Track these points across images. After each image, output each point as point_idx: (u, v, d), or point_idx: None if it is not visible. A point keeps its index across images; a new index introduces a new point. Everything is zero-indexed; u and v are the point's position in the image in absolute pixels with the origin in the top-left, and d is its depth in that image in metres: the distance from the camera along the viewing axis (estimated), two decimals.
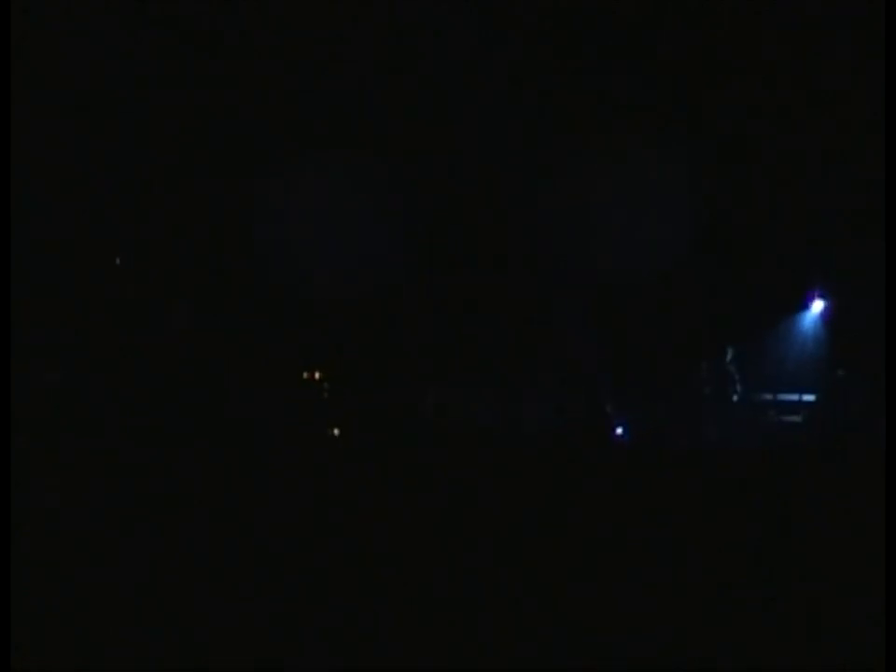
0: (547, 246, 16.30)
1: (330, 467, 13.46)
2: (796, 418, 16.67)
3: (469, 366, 17.57)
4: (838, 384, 16.21)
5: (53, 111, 14.02)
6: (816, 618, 6.29)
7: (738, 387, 16.81)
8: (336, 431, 16.92)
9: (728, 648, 5.78)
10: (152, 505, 9.28)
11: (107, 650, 5.78)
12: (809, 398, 16.77)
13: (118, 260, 15.98)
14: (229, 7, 14.74)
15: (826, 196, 15.73)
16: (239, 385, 16.07)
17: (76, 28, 13.53)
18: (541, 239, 16.28)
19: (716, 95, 15.60)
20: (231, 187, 15.67)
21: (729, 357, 16.85)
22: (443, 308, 17.32)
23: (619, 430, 16.88)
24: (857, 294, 15.85)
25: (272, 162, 15.42)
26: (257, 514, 9.47)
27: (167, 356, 16.02)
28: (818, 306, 17.20)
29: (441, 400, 17.36)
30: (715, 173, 15.58)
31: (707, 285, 16.56)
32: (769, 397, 17.01)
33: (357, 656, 5.82)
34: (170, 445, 13.17)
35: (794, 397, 16.88)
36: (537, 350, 17.69)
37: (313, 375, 17.57)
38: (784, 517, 9.71)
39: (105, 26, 13.84)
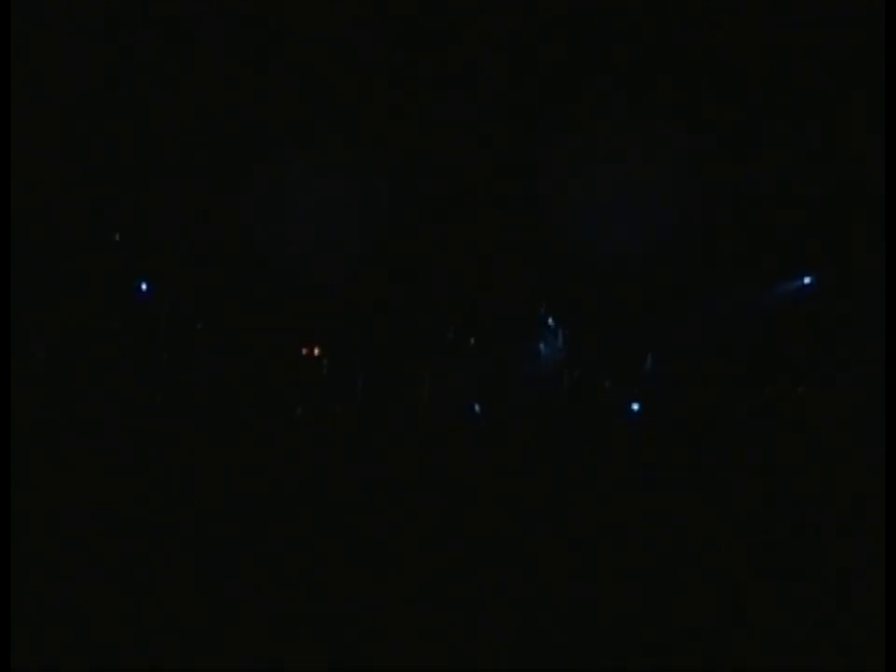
0: (542, 231, 16.38)
1: (332, 450, 13.50)
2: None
3: (467, 342, 17.68)
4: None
5: (51, 106, 14.00)
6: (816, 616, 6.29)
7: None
8: (337, 409, 16.93)
9: (727, 647, 5.77)
10: (151, 499, 9.28)
11: (107, 650, 5.77)
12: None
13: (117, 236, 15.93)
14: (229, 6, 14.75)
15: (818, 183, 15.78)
16: (238, 364, 16.10)
17: (75, 28, 13.53)
18: (535, 223, 16.37)
19: (714, 84, 15.63)
20: (223, 174, 15.69)
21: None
22: (439, 287, 17.38)
23: (635, 406, 16.92)
24: (843, 277, 15.91)
25: (266, 149, 15.46)
26: (257, 505, 9.48)
27: (164, 337, 16.08)
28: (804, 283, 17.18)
29: (438, 377, 17.42)
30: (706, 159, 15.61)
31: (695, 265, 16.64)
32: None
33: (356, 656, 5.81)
34: (168, 431, 13.20)
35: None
36: (534, 326, 17.79)
37: (312, 351, 17.47)
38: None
39: (104, 25, 13.85)
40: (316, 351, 17.63)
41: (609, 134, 15.32)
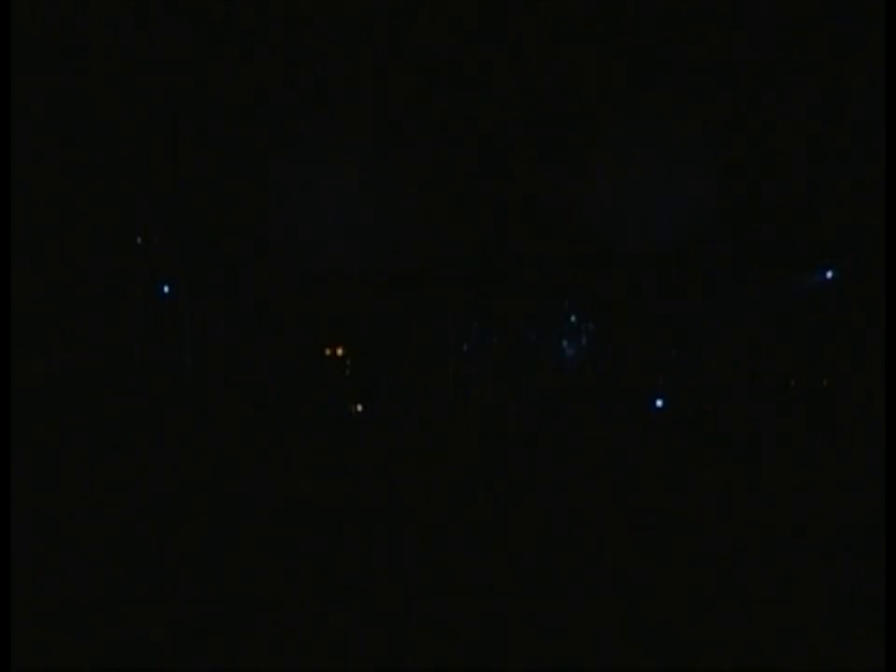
0: (566, 228, 16.37)
1: (349, 450, 13.49)
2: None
3: (489, 339, 17.70)
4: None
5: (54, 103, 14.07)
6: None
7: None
8: (359, 407, 16.98)
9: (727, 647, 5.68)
10: (159, 500, 9.27)
11: (107, 650, 5.73)
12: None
13: (139, 240, 16.04)
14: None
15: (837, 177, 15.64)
16: (262, 363, 16.17)
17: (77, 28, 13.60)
18: (558, 221, 16.37)
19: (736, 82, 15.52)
20: (246, 172, 15.74)
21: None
22: (461, 283, 17.38)
23: (659, 403, 16.86)
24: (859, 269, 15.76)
25: (293, 149, 15.50)
26: (270, 505, 9.47)
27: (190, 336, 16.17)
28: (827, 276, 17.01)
29: (461, 375, 17.44)
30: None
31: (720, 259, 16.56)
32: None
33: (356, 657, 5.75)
34: (187, 428, 13.24)
35: None
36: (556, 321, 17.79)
37: (335, 352, 17.52)
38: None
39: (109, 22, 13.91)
40: (339, 351, 17.69)
41: (633, 133, 15.27)
